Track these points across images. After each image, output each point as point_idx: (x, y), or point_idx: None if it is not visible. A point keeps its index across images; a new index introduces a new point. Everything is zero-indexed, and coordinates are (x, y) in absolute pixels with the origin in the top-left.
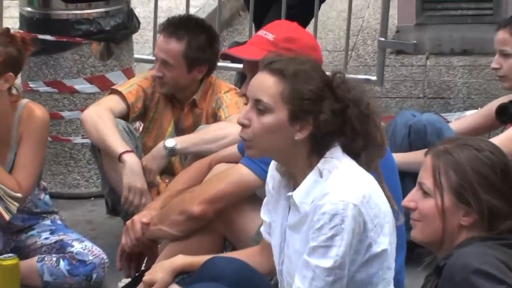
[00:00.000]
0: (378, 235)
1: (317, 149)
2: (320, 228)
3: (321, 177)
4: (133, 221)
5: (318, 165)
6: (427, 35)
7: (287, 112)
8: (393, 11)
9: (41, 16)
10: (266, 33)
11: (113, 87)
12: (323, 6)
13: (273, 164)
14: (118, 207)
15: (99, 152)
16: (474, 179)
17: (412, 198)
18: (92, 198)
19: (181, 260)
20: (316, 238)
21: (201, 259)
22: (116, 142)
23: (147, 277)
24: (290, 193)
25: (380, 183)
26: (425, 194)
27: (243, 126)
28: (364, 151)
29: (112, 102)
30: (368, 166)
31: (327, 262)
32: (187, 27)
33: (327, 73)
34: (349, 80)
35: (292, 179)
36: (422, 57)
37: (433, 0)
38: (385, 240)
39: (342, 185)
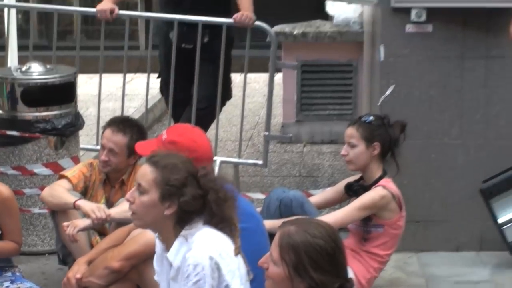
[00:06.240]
0: (232, 278)
1: (181, 223)
2: (188, 276)
3: (186, 240)
4: (68, 279)
5: (182, 233)
6: (304, 129)
7: (158, 194)
8: (280, 111)
9: (9, 117)
10: (164, 134)
11: (61, 172)
12: (229, 106)
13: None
14: (68, 259)
15: (56, 215)
16: (306, 261)
17: (265, 260)
18: (46, 254)
19: None
20: (186, 284)
21: None
22: (68, 197)
23: None
24: (165, 253)
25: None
26: (274, 261)
27: (129, 202)
28: (220, 225)
29: (61, 184)
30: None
31: None
32: (131, 125)
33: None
34: (211, 173)
35: (166, 244)
36: (300, 145)
37: (308, 103)
38: (238, 282)
39: (202, 243)
